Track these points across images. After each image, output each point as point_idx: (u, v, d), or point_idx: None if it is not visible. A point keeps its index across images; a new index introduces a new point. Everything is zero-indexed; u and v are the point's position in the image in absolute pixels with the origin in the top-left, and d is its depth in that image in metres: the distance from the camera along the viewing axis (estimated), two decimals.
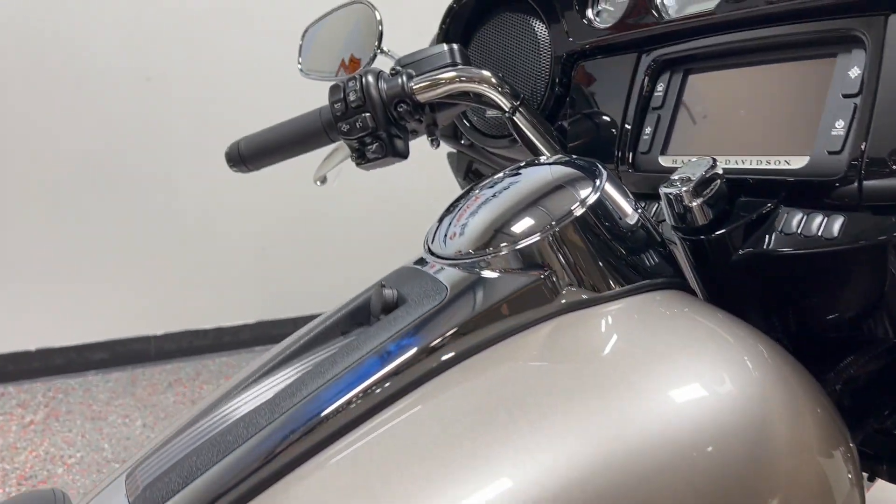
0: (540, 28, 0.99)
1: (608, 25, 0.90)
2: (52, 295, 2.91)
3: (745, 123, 0.76)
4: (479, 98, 0.92)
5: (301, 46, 1.12)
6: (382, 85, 0.90)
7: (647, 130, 0.85)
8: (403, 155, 0.94)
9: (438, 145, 0.98)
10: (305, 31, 1.13)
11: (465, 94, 0.91)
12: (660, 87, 0.85)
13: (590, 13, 0.93)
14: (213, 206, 3.05)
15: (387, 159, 0.93)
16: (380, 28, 1.04)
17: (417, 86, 0.90)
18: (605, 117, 0.89)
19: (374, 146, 0.92)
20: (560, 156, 0.73)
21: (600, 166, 0.69)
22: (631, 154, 0.85)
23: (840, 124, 0.65)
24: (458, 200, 0.74)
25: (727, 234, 0.69)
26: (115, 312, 3.00)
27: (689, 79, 0.83)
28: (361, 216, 3.25)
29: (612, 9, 0.91)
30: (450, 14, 1.08)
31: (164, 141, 2.94)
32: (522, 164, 0.75)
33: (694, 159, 0.72)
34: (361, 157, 0.93)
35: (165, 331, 3.08)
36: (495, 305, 0.59)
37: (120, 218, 2.94)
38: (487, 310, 0.59)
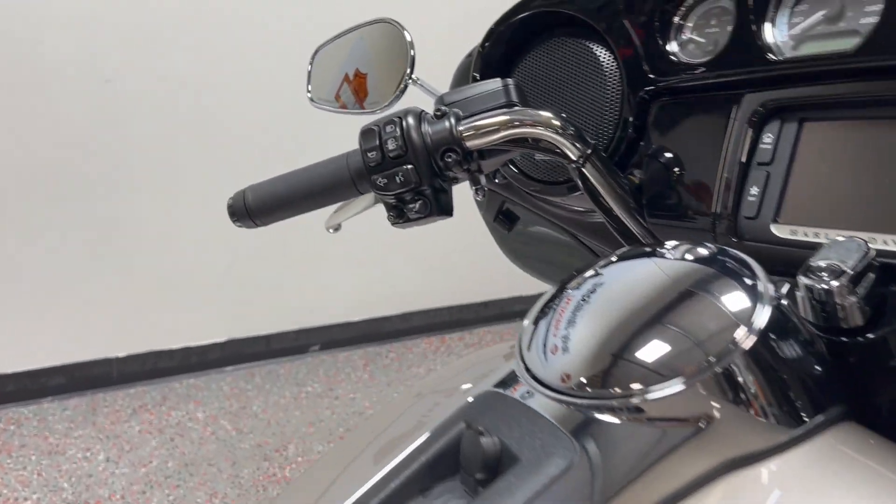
0: (607, 58, 0.83)
1: (700, 61, 0.75)
2: (1, 315, 2.67)
3: (890, 191, 0.62)
4: (539, 144, 0.76)
5: (310, 72, 0.95)
6: (426, 129, 0.74)
7: (753, 191, 0.70)
8: (449, 212, 0.78)
9: (485, 195, 0.82)
10: (315, 52, 0.96)
11: (522, 140, 0.76)
12: (767, 138, 0.70)
13: (673, 45, 0.78)
14: (178, 216, 2.83)
15: (429, 218, 0.77)
16: (411, 53, 0.87)
17: (468, 130, 0.74)
18: (693, 170, 0.75)
19: (418, 204, 0.76)
20: (678, 244, 0.58)
21: (749, 261, 0.54)
22: (731, 218, 0.71)
23: None
24: (553, 298, 0.58)
25: (886, 338, 0.56)
26: (73, 333, 2.77)
27: (805, 128, 0.69)
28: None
29: (702, 40, 0.76)
30: (491, 36, 0.92)
31: (124, 147, 2.71)
32: (622, 254, 0.59)
33: (840, 239, 0.57)
34: (399, 216, 0.77)
35: (128, 352, 2.86)
36: (641, 471, 0.44)
37: (76, 230, 2.71)
38: (632, 478, 0.44)
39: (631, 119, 0.81)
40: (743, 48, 0.71)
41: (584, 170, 0.77)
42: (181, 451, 2.48)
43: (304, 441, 2.56)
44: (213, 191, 2.93)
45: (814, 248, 0.59)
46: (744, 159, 0.71)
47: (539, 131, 0.74)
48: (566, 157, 0.76)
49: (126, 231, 2.79)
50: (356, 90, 0.97)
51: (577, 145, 0.75)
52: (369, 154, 0.75)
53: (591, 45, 0.85)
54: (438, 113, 0.75)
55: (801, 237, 0.66)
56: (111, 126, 2.68)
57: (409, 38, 0.88)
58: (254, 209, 0.82)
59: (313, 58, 0.96)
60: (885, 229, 0.61)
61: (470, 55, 1.03)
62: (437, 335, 3.34)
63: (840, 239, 0.57)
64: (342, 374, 3.01)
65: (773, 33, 0.70)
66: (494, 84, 0.77)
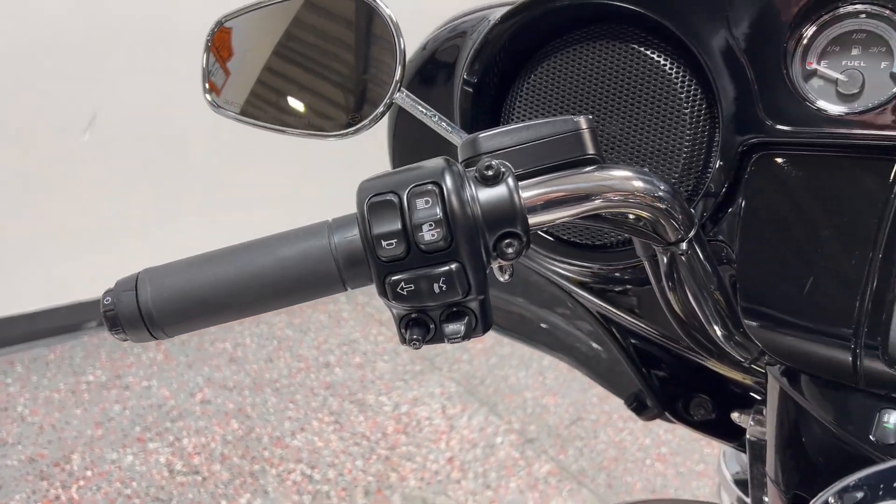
0: (688, 85, 0.59)
1: (848, 112, 0.53)
2: None
3: None
4: (625, 220, 0.52)
5: (208, 60, 0.59)
6: (473, 195, 0.46)
7: None
8: (491, 323, 0.51)
9: (512, 275, 0.56)
10: (216, 27, 0.59)
11: (598, 215, 0.51)
12: None
13: (804, 87, 0.55)
14: None
15: (469, 338, 0.50)
16: (400, 45, 0.56)
17: (533, 201, 0.47)
18: (819, 261, 0.54)
19: (461, 325, 0.48)
20: None
21: None
22: (883, 337, 0.52)
23: None
24: None
25: None
26: None
27: None
28: (121, 175, 2.53)
29: (840, 77, 0.54)
30: (502, 27, 0.63)
31: None
32: None
33: None
34: (424, 335, 0.48)
35: None
36: None
37: None
38: None
39: (720, 177, 0.58)
40: None
41: (680, 256, 0.53)
42: None
43: (91, 448, 2.11)
44: None
45: None
46: None
47: (637, 206, 0.49)
48: (661, 239, 0.52)
49: None
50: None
51: (681, 224, 0.51)
52: (385, 244, 0.45)
53: (661, 61, 0.59)
54: (489, 171, 0.46)
55: None
56: None
57: (393, 20, 0.56)
58: (157, 315, 0.48)
59: (212, 36, 0.60)
60: None
61: (424, 47, 0.72)
62: None
63: None
64: (130, 356, 2.54)
65: None
66: (562, 125, 0.50)
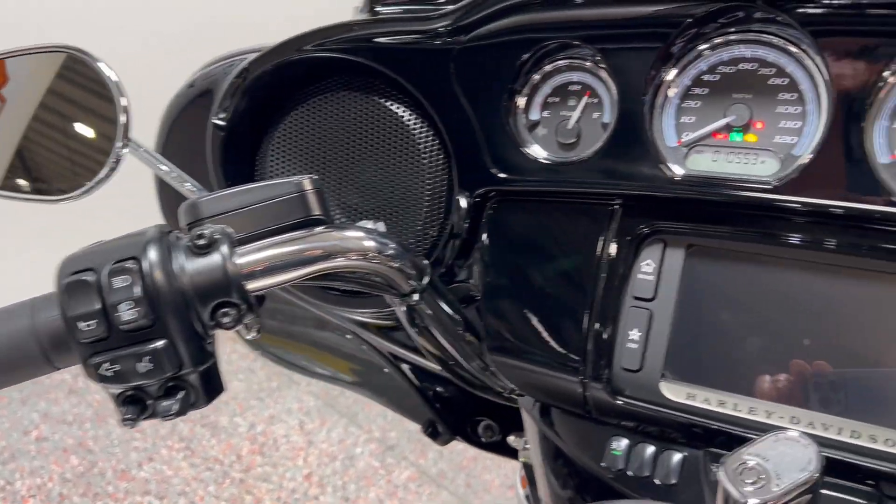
0: (426, 137, 0.60)
1: (564, 161, 0.56)
2: None
3: (814, 353, 0.51)
4: (359, 278, 0.53)
5: None
6: (182, 267, 0.45)
7: (634, 335, 0.55)
8: (220, 389, 0.50)
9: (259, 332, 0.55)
10: None
11: (332, 275, 0.51)
12: (647, 266, 0.55)
13: (523, 133, 0.57)
14: None
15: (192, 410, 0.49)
16: (122, 103, 0.54)
17: (250, 266, 0.47)
18: (550, 299, 0.57)
19: (176, 402, 0.47)
20: None
21: None
22: (606, 370, 0.55)
23: None
24: None
25: None
26: None
27: (694, 255, 0.54)
28: None
29: (566, 130, 0.57)
30: (252, 74, 0.61)
31: None
32: None
33: (787, 437, 0.44)
34: (141, 413, 0.47)
35: None
36: None
37: None
38: None
39: (456, 225, 0.60)
40: (625, 156, 0.54)
41: (418, 305, 0.55)
42: None
43: None
44: None
45: (721, 420, 0.51)
46: (616, 291, 0.55)
47: (363, 264, 0.50)
48: (395, 291, 0.53)
49: None
50: None
51: (412, 278, 0.53)
52: (83, 325, 0.43)
53: (399, 112, 0.60)
54: (201, 240, 0.46)
55: (701, 404, 0.53)
56: None
57: (114, 79, 0.54)
58: None
59: None
60: (812, 405, 0.50)
61: (192, 85, 0.71)
62: None
63: (789, 435, 0.45)
64: None
65: (662, 135, 0.54)
66: (286, 187, 0.50)
